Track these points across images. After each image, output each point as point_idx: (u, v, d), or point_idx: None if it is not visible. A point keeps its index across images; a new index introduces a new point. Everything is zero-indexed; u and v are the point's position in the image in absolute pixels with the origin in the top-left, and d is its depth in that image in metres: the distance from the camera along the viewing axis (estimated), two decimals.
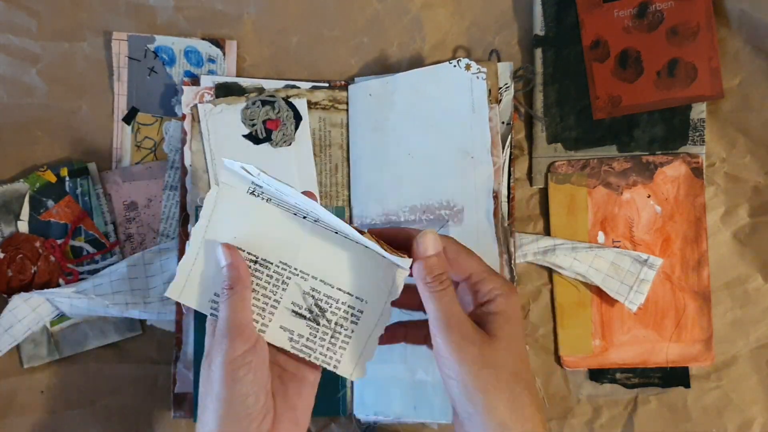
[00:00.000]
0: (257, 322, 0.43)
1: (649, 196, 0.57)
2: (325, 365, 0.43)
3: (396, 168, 0.56)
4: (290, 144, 0.57)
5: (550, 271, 0.57)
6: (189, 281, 0.43)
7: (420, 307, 0.43)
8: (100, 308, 0.54)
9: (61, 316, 0.56)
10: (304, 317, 0.44)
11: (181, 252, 0.56)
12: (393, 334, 0.45)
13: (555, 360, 0.58)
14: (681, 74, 0.56)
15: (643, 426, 0.57)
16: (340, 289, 0.43)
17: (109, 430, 0.57)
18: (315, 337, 0.44)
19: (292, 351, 0.43)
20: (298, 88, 0.58)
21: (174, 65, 0.59)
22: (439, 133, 0.56)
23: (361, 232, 0.41)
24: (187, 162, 0.56)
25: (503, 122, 0.56)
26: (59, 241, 0.57)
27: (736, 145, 0.57)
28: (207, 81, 0.57)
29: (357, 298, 0.43)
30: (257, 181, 0.43)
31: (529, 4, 0.58)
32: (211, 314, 0.43)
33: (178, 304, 0.55)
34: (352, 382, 0.55)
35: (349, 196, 0.57)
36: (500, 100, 0.56)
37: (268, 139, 0.56)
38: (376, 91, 0.57)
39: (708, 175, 0.57)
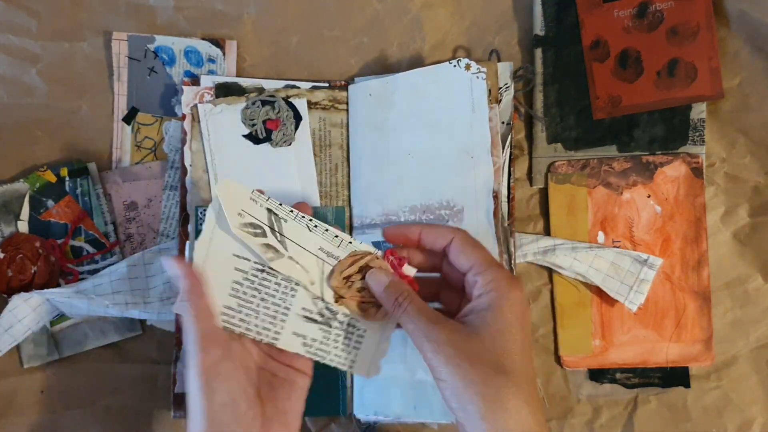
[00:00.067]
0: (269, 330, 0.43)
1: (649, 196, 0.57)
2: (340, 366, 0.44)
3: (396, 168, 0.56)
4: (290, 144, 0.57)
5: (550, 271, 0.57)
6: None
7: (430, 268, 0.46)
8: (100, 308, 0.54)
9: (61, 316, 0.56)
10: (316, 321, 0.44)
11: (181, 252, 0.56)
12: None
13: (555, 360, 0.58)
14: (681, 74, 0.56)
15: (643, 426, 0.57)
16: None
17: (109, 430, 0.57)
18: (328, 339, 0.44)
19: (307, 355, 0.44)
20: (298, 88, 0.58)
21: (174, 65, 0.59)
22: (439, 133, 0.56)
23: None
24: (187, 162, 0.56)
25: (503, 122, 0.56)
26: (59, 241, 0.57)
27: (736, 145, 0.57)
28: (207, 81, 0.57)
29: None
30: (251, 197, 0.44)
31: (529, 4, 0.58)
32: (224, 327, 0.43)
33: None
34: (352, 382, 0.55)
35: (349, 196, 0.57)
36: (500, 100, 0.56)
37: (268, 139, 0.56)
38: (376, 91, 0.57)
39: (708, 175, 0.57)
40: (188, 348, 0.40)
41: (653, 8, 0.56)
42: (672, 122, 0.56)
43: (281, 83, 0.58)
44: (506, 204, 0.56)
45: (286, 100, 0.57)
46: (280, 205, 0.44)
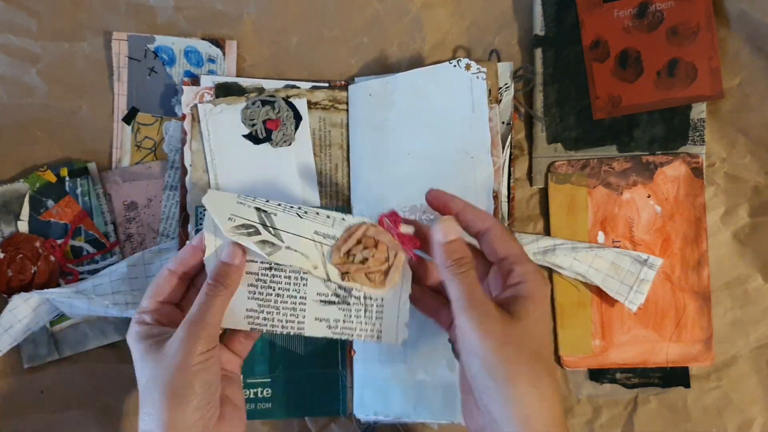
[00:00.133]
0: (293, 322, 0.45)
1: (649, 196, 0.57)
2: (369, 339, 0.45)
3: (396, 168, 0.56)
4: (290, 144, 0.57)
5: (550, 271, 0.57)
6: None
7: (434, 314, 0.45)
8: (100, 308, 0.54)
9: (61, 316, 0.56)
10: (334, 302, 0.45)
11: None
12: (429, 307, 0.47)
13: (555, 360, 0.58)
14: (681, 74, 0.56)
15: (643, 426, 0.57)
16: None
17: (109, 430, 0.57)
18: (350, 317, 0.45)
19: (334, 337, 0.45)
20: (298, 88, 0.58)
21: (174, 65, 0.59)
22: (439, 133, 0.56)
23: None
24: (187, 162, 0.56)
25: (503, 122, 0.56)
26: (59, 241, 0.57)
27: (736, 145, 0.57)
28: (207, 81, 0.57)
29: None
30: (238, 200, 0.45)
31: (529, 4, 0.58)
32: (251, 328, 0.45)
33: None
34: (352, 383, 0.55)
35: (349, 196, 0.57)
36: (500, 100, 0.56)
37: (268, 139, 0.56)
38: (376, 91, 0.57)
39: (708, 175, 0.57)
40: (188, 325, 0.43)
41: (653, 8, 0.56)
42: (672, 122, 0.56)
43: (281, 83, 0.58)
44: (506, 204, 0.56)
45: (286, 100, 0.57)
46: (267, 201, 0.45)
